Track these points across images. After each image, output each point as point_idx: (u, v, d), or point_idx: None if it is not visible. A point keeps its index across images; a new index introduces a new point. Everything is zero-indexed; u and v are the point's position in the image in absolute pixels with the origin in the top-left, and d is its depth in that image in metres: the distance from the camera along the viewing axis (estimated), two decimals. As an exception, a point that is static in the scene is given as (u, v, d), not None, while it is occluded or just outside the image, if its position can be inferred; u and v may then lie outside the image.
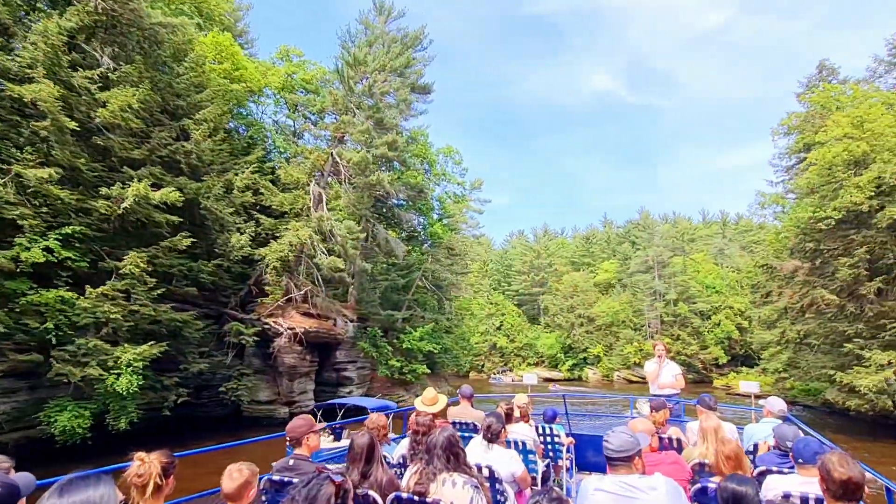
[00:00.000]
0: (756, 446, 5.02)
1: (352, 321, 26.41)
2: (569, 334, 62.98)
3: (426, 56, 28.08)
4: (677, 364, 8.80)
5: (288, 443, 3.79)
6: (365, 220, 28.24)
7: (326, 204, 23.01)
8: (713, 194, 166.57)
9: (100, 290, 14.44)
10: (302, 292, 21.06)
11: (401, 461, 4.47)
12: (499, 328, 69.39)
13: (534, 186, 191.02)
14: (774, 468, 3.89)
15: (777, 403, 5.71)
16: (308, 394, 24.11)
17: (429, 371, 30.61)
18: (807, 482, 3.16)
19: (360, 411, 14.96)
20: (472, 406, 6.43)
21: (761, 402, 6.22)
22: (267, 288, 21.33)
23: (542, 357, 66.35)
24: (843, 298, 19.92)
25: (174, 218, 16.75)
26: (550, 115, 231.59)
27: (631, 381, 55.42)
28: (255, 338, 20.43)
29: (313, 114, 26.78)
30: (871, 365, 17.70)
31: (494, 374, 63.21)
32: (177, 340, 17.87)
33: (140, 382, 14.65)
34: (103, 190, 15.15)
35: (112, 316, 14.41)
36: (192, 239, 17.24)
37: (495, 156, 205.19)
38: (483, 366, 67.21)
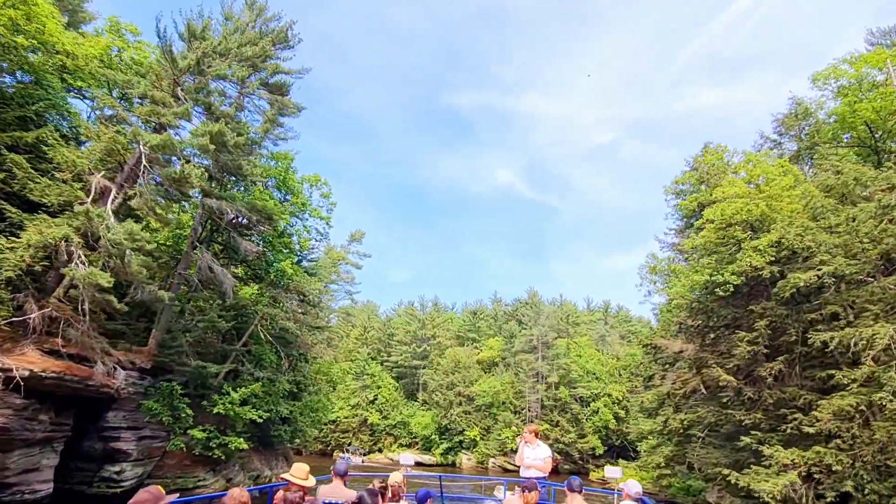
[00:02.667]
0: None
1: (142, 370, 19.56)
2: (446, 413, 57.92)
3: (297, 66, 23.94)
4: (547, 447, 8.52)
5: None
6: (190, 243, 22.25)
7: (117, 204, 17.04)
8: (598, 290, 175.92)
9: None
10: (34, 315, 14.30)
11: None
12: (372, 402, 62.58)
13: (435, 265, 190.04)
14: None
15: (634, 486, 6.07)
16: (42, 472, 16.45)
17: (251, 445, 23.83)
18: None
19: None
20: (345, 485, 6.00)
21: (621, 485, 6.56)
22: (-15, 306, 14.38)
23: (415, 438, 60.23)
24: (739, 380, 16.99)
25: None
26: (457, 200, 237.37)
27: (507, 469, 51.12)
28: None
29: (139, 99, 21.07)
30: (772, 465, 14.39)
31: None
32: None
33: None
34: None
35: None
36: None
37: (402, 232, 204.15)
38: (349, 443, 59.58)
